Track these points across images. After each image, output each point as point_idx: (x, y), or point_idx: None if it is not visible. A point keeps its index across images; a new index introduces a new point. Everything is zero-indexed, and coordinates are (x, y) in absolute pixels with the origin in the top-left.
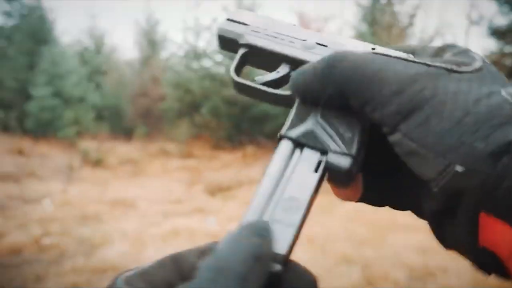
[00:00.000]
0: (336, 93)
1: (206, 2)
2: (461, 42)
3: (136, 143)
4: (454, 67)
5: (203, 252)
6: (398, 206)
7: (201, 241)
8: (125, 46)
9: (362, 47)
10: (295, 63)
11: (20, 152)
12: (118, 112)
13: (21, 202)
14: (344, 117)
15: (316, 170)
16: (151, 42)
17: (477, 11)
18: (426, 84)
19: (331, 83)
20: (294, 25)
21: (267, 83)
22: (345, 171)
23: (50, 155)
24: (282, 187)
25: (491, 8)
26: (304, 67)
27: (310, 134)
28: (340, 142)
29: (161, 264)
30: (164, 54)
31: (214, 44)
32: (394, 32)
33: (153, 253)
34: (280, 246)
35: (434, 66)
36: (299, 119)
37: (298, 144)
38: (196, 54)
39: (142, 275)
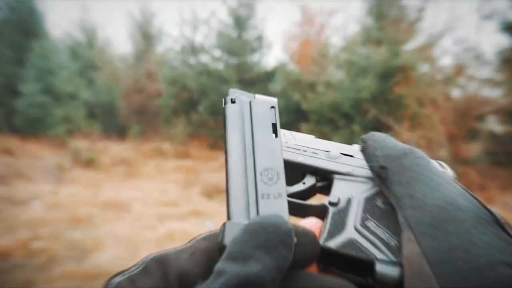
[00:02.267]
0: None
1: None
2: (472, 38)
3: (130, 142)
4: (502, 223)
5: (193, 253)
6: None
7: None
8: (118, 40)
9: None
10: (321, 174)
11: (8, 152)
12: (111, 110)
13: (9, 204)
14: (387, 224)
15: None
16: (146, 36)
17: (489, 5)
18: (469, 218)
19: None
20: (314, 136)
21: (294, 195)
22: (396, 280)
23: (40, 155)
24: (254, 159)
25: (504, 2)
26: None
27: (351, 243)
28: (386, 250)
29: (146, 270)
30: (159, 49)
31: (212, 38)
32: (402, 26)
33: None
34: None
35: (486, 209)
36: (336, 229)
37: (339, 255)
38: (193, 49)
39: (130, 284)
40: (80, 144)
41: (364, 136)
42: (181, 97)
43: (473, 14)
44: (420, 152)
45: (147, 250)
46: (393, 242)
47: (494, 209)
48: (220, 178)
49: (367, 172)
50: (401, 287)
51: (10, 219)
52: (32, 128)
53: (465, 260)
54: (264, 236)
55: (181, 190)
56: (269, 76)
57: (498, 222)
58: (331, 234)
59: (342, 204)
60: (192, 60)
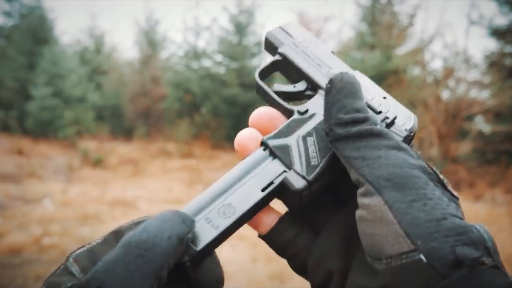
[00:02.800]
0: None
1: (206, 2)
2: (461, 42)
3: (136, 143)
4: (446, 184)
5: (139, 224)
6: (296, 263)
7: None
8: (125, 46)
9: (375, 92)
10: (312, 84)
11: (20, 152)
12: (118, 112)
13: (21, 202)
14: (323, 147)
15: (263, 190)
16: (151, 42)
17: (477, 11)
18: (422, 176)
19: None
20: (332, 52)
21: (281, 93)
22: (294, 190)
23: (50, 155)
24: (231, 192)
25: (491, 8)
26: (350, 79)
27: (285, 148)
28: (304, 165)
29: (105, 241)
30: (164, 54)
31: (214, 44)
32: (394, 32)
33: None
34: (198, 242)
35: (433, 170)
36: (285, 132)
37: (272, 153)
38: (196, 54)
39: (89, 252)
40: (89, 145)
41: (334, 79)
42: (185, 100)
43: (462, 20)
44: (372, 120)
45: None
46: (314, 162)
47: (436, 169)
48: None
49: None
50: (298, 200)
51: (22, 216)
52: (43, 130)
53: (423, 211)
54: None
55: (185, 188)
56: (269, 80)
57: (441, 182)
58: (277, 135)
59: (306, 115)
60: (195, 64)
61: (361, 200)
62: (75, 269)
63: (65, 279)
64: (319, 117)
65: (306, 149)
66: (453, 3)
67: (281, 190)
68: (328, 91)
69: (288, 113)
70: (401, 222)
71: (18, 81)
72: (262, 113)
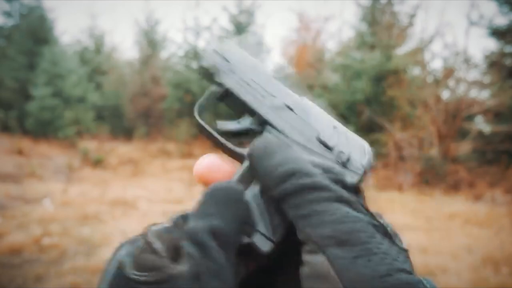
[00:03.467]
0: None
1: (206, 2)
2: (461, 42)
3: (136, 143)
4: (393, 236)
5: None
6: None
7: None
8: (125, 46)
9: (325, 122)
10: (258, 119)
11: (20, 152)
12: (118, 112)
13: (21, 202)
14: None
15: None
16: (151, 42)
17: (477, 11)
18: (367, 229)
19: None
20: (274, 76)
21: (226, 132)
22: (264, 255)
23: (50, 155)
24: None
25: (491, 8)
26: (264, 144)
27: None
28: (268, 225)
29: (177, 224)
30: (164, 54)
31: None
32: (394, 32)
33: None
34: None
35: (378, 222)
36: (243, 183)
37: None
38: (196, 54)
39: (167, 231)
40: (89, 145)
41: (248, 154)
42: (185, 100)
43: (462, 20)
44: (302, 171)
45: None
46: (277, 220)
47: (384, 221)
48: None
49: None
50: (266, 260)
51: (22, 216)
52: (43, 130)
53: (367, 267)
54: (221, 196)
55: (185, 188)
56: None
57: (388, 234)
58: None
59: None
60: (195, 64)
61: (305, 258)
62: (158, 246)
63: (156, 262)
64: None
65: (266, 206)
66: (453, 3)
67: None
68: (251, 166)
69: (237, 157)
70: (343, 280)
71: (18, 81)
72: (208, 165)
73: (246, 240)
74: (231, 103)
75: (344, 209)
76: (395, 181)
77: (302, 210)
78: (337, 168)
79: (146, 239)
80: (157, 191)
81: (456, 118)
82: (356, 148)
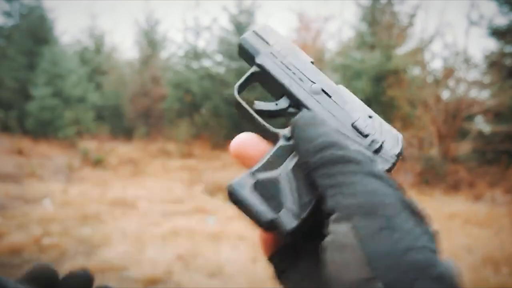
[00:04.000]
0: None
1: (206, 2)
2: (461, 42)
3: (136, 143)
4: (421, 211)
5: None
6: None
7: (201, 241)
8: (125, 46)
9: (360, 111)
10: (295, 102)
11: (20, 152)
12: (118, 112)
13: (21, 202)
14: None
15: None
16: (151, 42)
17: (477, 11)
18: (395, 205)
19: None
20: (312, 62)
21: (263, 112)
22: (287, 232)
23: (50, 155)
24: None
25: (491, 8)
26: (310, 115)
27: (274, 183)
28: (297, 204)
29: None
30: (164, 54)
31: (214, 44)
32: (394, 32)
33: (153, 253)
34: None
35: (409, 199)
36: (273, 163)
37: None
38: (196, 54)
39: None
40: (89, 145)
41: (293, 123)
42: (185, 100)
43: (462, 20)
44: (341, 144)
45: (153, 245)
46: (306, 198)
47: (414, 200)
48: (222, 176)
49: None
50: (289, 238)
51: (22, 216)
52: (43, 129)
53: (389, 241)
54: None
55: (185, 188)
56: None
57: (417, 213)
58: (265, 167)
59: (292, 141)
60: (195, 64)
61: (331, 227)
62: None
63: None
64: None
65: (297, 183)
66: (453, 3)
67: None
68: (292, 135)
69: (272, 137)
70: (364, 248)
71: (18, 81)
72: (245, 141)
73: (271, 215)
74: (269, 85)
75: (377, 183)
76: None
77: (334, 180)
78: (369, 153)
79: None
80: (157, 191)
81: (456, 118)
82: (390, 138)
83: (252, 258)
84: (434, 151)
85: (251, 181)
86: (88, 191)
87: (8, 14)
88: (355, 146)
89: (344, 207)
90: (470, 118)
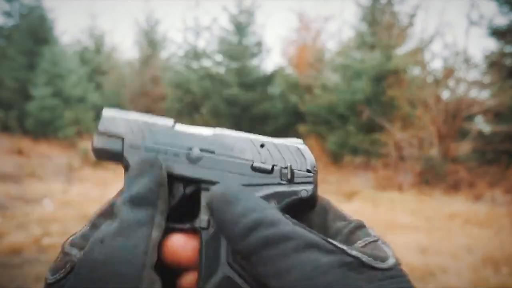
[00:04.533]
0: None
1: (206, 2)
2: (461, 42)
3: None
4: (371, 262)
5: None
6: None
7: None
8: (125, 46)
9: (250, 147)
10: (185, 181)
11: (20, 152)
12: None
13: (21, 202)
14: None
15: None
16: (151, 42)
17: (477, 11)
18: (338, 277)
19: None
20: (173, 123)
21: (175, 217)
22: None
23: (50, 155)
24: None
25: (491, 8)
26: (222, 191)
27: (227, 282)
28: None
29: (94, 226)
30: (164, 54)
31: (214, 44)
32: (394, 32)
33: None
34: None
35: (351, 256)
36: (211, 264)
37: None
38: (196, 54)
39: (82, 236)
40: (89, 145)
41: (209, 203)
42: (185, 100)
43: (462, 20)
44: (268, 220)
45: None
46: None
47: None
48: None
49: (236, 179)
50: None
51: (22, 216)
52: (43, 129)
53: None
54: (136, 169)
55: None
56: (268, 79)
57: (365, 264)
58: (208, 273)
59: (211, 229)
60: (195, 64)
61: None
62: (74, 251)
63: (66, 259)
64: None
65: (246, 271)
66: (453, 3)
67: None
68: (212, 215)
69: (192, 232)
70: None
71: (18, 81)
72: (174, 245)
73: None
74: None
75: (313, 256)
76: (395, 181)
77: (270, 267)
78: (287, 189)
79: (62, 250)
80: None
81: (456, 118)
82: (293, 156)
83: None
84: (434, 151)
85: None
86: (88, 191)
87: (8, 14)
88: (275, 213)
89: None
90: (470, 118)
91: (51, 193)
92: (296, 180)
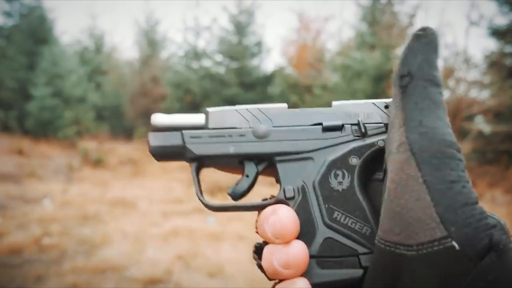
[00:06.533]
0: None
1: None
2: (461, 42)
3: (136, 143)
4: None
5: None
6: None
7: (201, 241)
8: (125, 46)
9: (313, 110)
10: (258, 158)
11: (20, 152)
12: (118, 112)
13: (21, 202)
14: (351, 209)
15: None
16: (151, 42)
17: (477, 11)
18: (461, 157)
19: None
20: (236, 106)
21: (243, 194)
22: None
23: (50, 155)
24: None
25: (491, 8)
26: None
27: (331, 244)
28: (364, 241)
29: None
30: (164, 54)
31: (214, 44)
32: (394, 32)
33: (153, 252)
34: None
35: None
36: (308, 230)
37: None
38: (196, 54)
39: None
40: (89, 145)
41: (423, 32)
42: (185, 100)
43: (462, 20)
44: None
45: (153, 245)
46: (366, 230)
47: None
48: (222, 176)
49: (309, 144)
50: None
51: (22, 216)
52: (43, 129)
53: (461, 195)
54: None
55: (185, 188)
56: (268, 79)
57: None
58: (307, 240)
59: (298, 196)
60: (195, 64)
61: (394, 168)
62: None
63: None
64: (312, 187)
65: (347, 227)
66: (453, 3)
67: None
68: (417, 38)
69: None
70: (437, 205)
71: (18, 81)
72: (284, 220)
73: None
74: (220, 163)
75: (451, 134)
76: None
77: (422, 105)
78: (363, 143)
79: None
80: (157, 191)
81: (456, 118)
82: (361, 108)
83: (252, 258)
84: None
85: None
86: (88, 191)
87: (8, 14)
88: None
89: (417, 151)
90: (470, 118)
91: (51, 193)
92: (369, 133)
